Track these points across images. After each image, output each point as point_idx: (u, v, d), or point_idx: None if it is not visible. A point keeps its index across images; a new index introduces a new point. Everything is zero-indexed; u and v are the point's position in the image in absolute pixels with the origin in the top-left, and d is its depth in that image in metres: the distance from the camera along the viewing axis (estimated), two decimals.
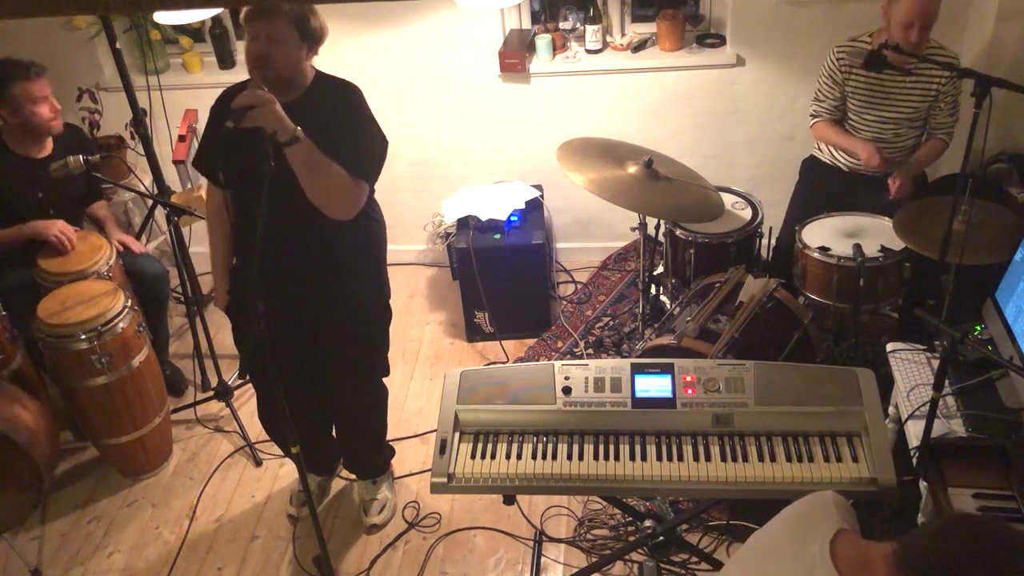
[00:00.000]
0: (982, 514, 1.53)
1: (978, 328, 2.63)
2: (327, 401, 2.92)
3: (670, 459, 2.25)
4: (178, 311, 4.21)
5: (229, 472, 3.40)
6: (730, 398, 2.28)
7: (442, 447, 2.29)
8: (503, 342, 3.90)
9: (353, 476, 3.23)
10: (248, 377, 3.19)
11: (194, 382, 3.80)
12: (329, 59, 3.92)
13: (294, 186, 2.36)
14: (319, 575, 2.93)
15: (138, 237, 3.76)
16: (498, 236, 3.76)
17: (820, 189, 3.49)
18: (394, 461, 3.24)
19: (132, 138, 3.95)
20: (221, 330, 4.13)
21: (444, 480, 2.26)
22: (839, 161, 3.45)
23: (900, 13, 2.99)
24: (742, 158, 4.05)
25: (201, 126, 3.71)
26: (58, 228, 3.32)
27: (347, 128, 2.45)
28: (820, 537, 1.62)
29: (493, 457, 2.29)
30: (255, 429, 3.56)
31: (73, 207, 3.56)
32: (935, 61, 2.92)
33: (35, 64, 3.22)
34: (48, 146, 3.43)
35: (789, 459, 2.22)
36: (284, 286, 2.57)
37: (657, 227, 3.58)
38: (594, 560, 2.88)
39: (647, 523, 2.63)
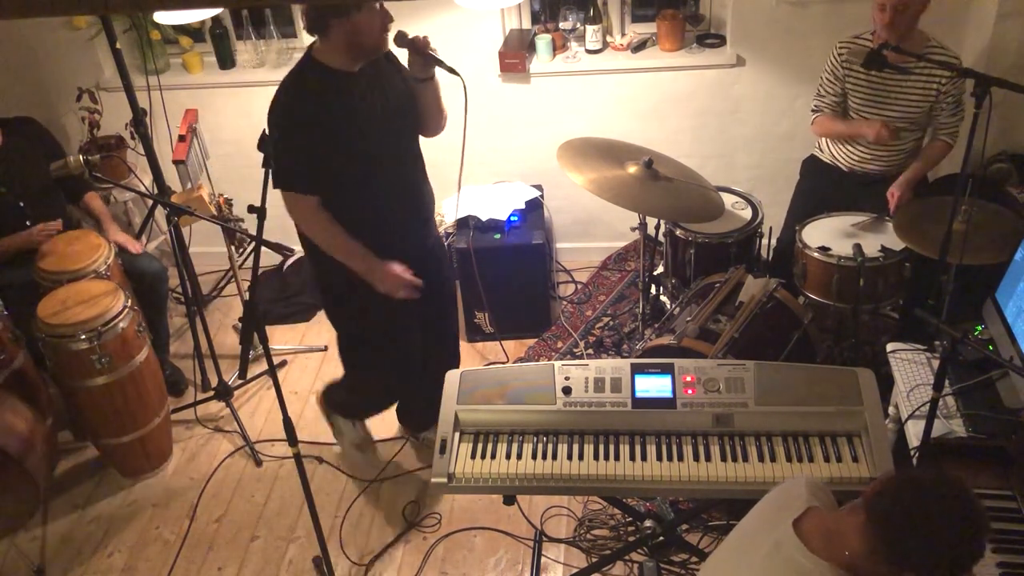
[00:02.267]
0: (933, 469, 1.62)
1: (978, 328, 2.63)
2: (443, 347, 3.16)
3: (670, 459, 2.25)
4: (178, 311, 4.21)
5: (229, 472, 3.40)
6: (730, 398, 2.28)
7: (442, 447, 2.29)
8: (503, 342, 3.89)
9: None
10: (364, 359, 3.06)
11: (194, 382, 3.80)
12: None
13: (410, 131, 2.74)
14: (319, 575, 2.93)
15: (138, 237, 3.76)
16: (498, 236, 3.76)
17: (821, 189, 3.49)
18: (394, 461, 3.26)
19: (132, 138, 3.95)
20: (221, 330, 4.14)
21: (444, 480, 2.26)
22: (839, 161, 3.44)
23: None
24: (742, 158, 4.04)
25: (201, 126, 3.71)
26: (37, 230, 3.34)
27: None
28: (787, 519, 1.66)
29: (493, 457, 2.29)
30: (255, 429, 3.56)
31: (48, 201, 3.51)
32: (934, 60, 2.92)
33: None
34: None
35: (789, 459, 2.22)
36: (422, 229, 2.87)
37: (657, 227, 3.58)
38: (594, 560, 2.88)
39: (647, 523, 2.63)
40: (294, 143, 2.49)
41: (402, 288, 2.67)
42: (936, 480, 1.54)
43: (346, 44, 2.47)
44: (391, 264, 2.66)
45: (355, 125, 2.54)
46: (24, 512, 3.14)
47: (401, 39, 2.55)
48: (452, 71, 2.55)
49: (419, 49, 2.55)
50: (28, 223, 3.41)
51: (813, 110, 3.39)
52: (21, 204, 3.40)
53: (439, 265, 2.99)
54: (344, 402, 3.26)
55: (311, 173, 2.54)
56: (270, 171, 2.22)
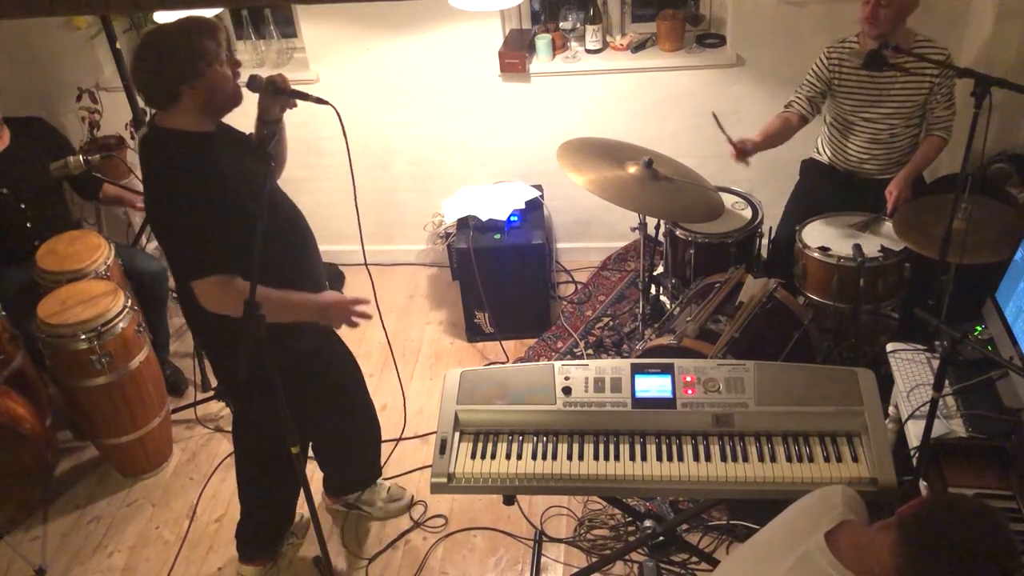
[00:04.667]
0: (971, 498, 1.60)
1: (978, 328, 2.63)
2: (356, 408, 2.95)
3: (670, 459, 2.25)
4: (178, 311, 4.20)
5: (229, 472, 3.40)
6: (730, 398, 2.28)
7: (442, 447, 2.29)
8: (503, 342, 3.90)
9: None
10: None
11: (194, 382, 3.80)
12: (329, 59, 3.94)
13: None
14: (319, 575, 2.93)
15: (138, 238, 3.76)
16: (498, 236, 3.76)
17: (819, 190, 3.49)
18: (394, 461, 3.25)
19: (132, 138, 3.95)
20: None
21: (444, 480, 2.26)
22: (836, 163, 3.45)
23: None
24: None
25: None
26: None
27: None
28: (820, 530, 1.64)
29: (493, 457, 2.29)
30: None
31: (49, 202, 3.50)
32: (930, 60, 2.94)
33: None
34: (4, 138, 3.38)
35: (789, 459, 2.22)
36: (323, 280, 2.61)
37: (657, 227, 3.58)
38: (594, 560, 2.88)
39: (647, 523, 2.62)
40: (200, 221, 2.19)
41: (355, 314, 2.43)
42: (972, 509, 1.52)
43: (200, 106, 2.23)
44: (328, 293, 2.48)
45: (244, 184, 2.28)
46: (35, 498, 3.19)
47: (255, 83, 2.34)
48: (321, 101, 2.31)
49: (282, 88, 2.34)
50: (28, 224, 3.41)
51: (786, 105, 3.40)
52: (22, 205, 3.40)
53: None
54: (358, 475, 3.09)
55: (228, 247, 2.22)
56: (180, 264, 2.22)
